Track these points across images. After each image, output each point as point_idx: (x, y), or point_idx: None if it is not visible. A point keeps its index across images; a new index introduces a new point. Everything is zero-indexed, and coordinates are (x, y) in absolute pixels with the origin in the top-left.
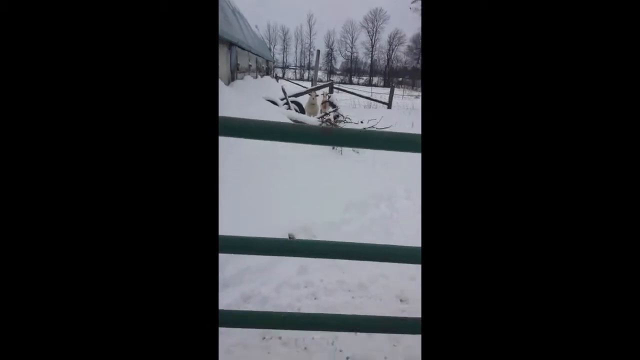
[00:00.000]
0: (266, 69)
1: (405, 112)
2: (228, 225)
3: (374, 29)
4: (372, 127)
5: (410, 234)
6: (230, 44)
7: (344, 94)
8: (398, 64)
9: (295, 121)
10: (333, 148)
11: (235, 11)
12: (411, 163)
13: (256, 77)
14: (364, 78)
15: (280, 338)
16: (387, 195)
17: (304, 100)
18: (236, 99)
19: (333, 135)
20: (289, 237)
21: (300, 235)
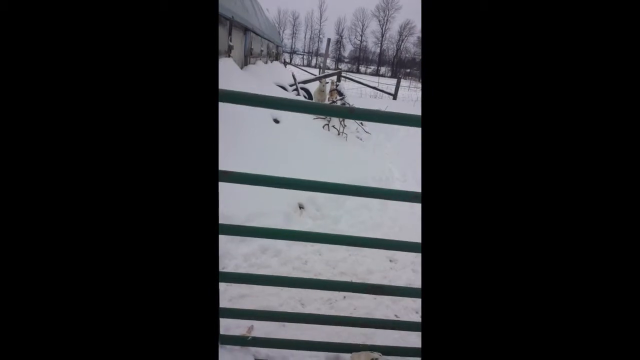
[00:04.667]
0: (275, 54)
1: (409, 104)
2: (244, 198)
3: (385, 18)
4: None
5: (402, 209)
6: (246, 29)
7: (352, 82)
8: (406, 55)
9: None
10: (339, 134)
11: None
12: (406, 151)
13: (266, 62)
14: (372, 67)
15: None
16: (385, 177)
17: (312, 87)
18: (251, 84)
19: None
20: (299, 206)
21: (308, 206)
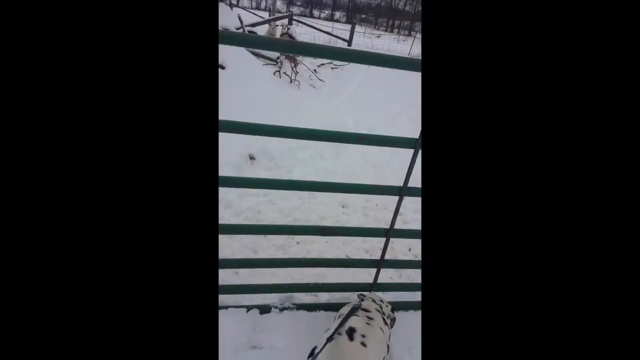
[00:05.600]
0: None
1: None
2: None
3: None
4: (330, 63)
5: (355, 157)
6: None
7: (304, 27)
8: (362, 0)
9: (252, 52)
10: (291, 81)
11: None
12: (360, 100)
13: None
14: (326, 12)
15: None
16: (338, 126)
17: (261, 30)
18: None
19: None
20: (250, 157)
21: (260, 156)
